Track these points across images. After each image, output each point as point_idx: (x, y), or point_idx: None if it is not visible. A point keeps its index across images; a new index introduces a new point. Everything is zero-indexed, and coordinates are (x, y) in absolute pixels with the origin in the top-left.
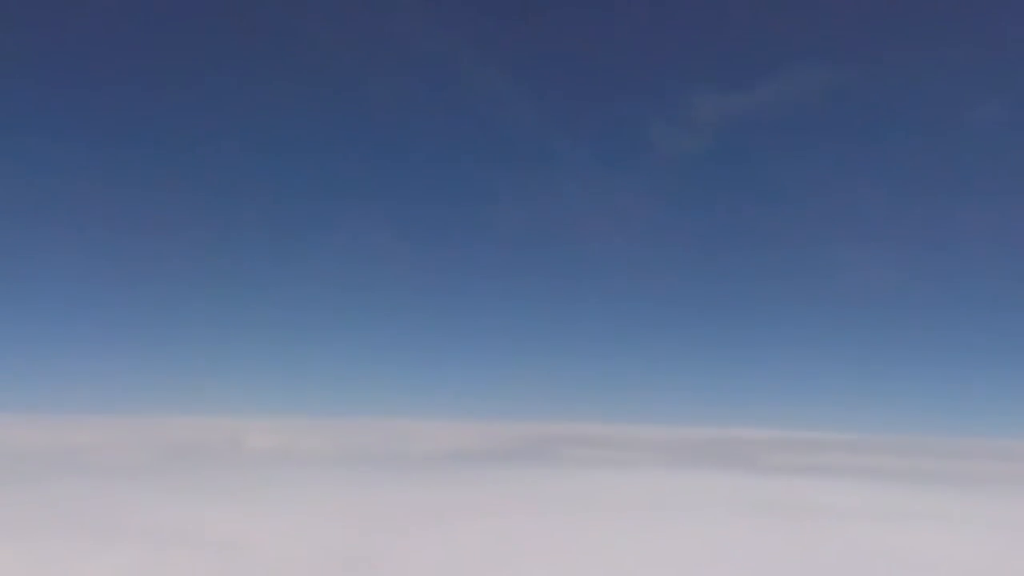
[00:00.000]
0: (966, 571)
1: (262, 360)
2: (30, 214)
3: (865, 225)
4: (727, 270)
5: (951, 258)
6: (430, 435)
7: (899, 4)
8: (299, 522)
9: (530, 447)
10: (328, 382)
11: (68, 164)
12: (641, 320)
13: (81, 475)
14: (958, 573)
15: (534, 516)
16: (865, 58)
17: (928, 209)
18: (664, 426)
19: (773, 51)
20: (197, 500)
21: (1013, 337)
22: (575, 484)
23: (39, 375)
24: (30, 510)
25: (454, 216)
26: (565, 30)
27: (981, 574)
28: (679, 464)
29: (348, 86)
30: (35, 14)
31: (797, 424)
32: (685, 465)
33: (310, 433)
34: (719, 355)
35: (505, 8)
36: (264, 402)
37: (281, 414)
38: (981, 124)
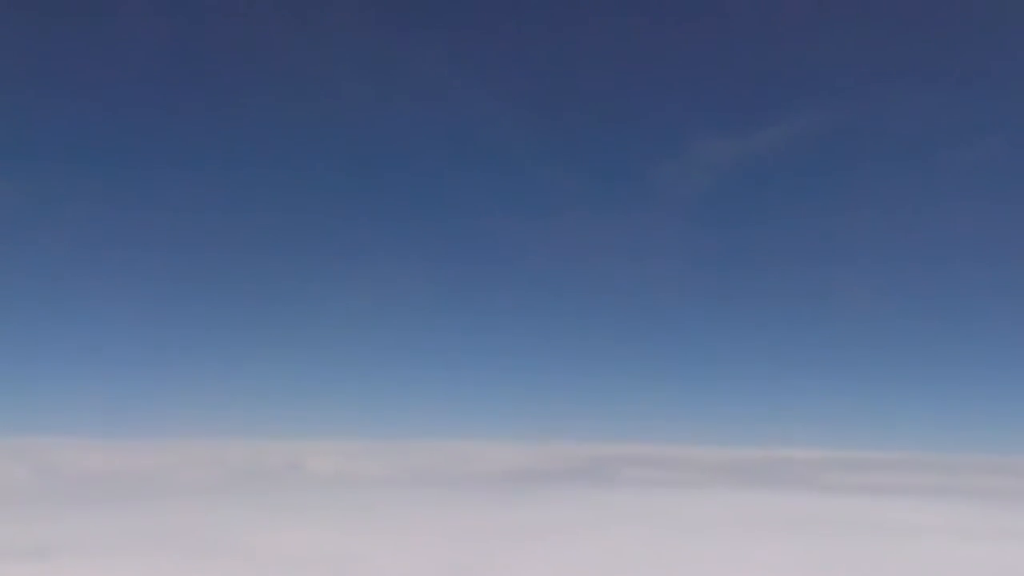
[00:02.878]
0: None
1: (310, 384)
2: (83, 240)
3: (889, 248)
4: (760, 297)
5: (988, 277)
6: (483, 456)
7: (899, 49)
8: (398, 542)
9: (586, 467)
10: (378, 405)
11: (117, 187)
12: (674, 342)
13: (160, 497)
14: None
15: (629, 535)
16: (865, 102)
17: (953, 231)
18: (706, 447)
19: (775, 96)
20: (281, 521)
21: None
22: (653, 503)
23: (97, 400)
24: (123, 532)
25: (492, 248)
26: (573, 73)
27: None
28: (740, 484)
29: (377, 136)
30: (36, 18)
31: (837, 443)
32: (747, 485)
33: (365, 455)
34: (756, 376)
35: (515, 52)
36: (312, 425)
37: (330, 437)
38: (978, 158)
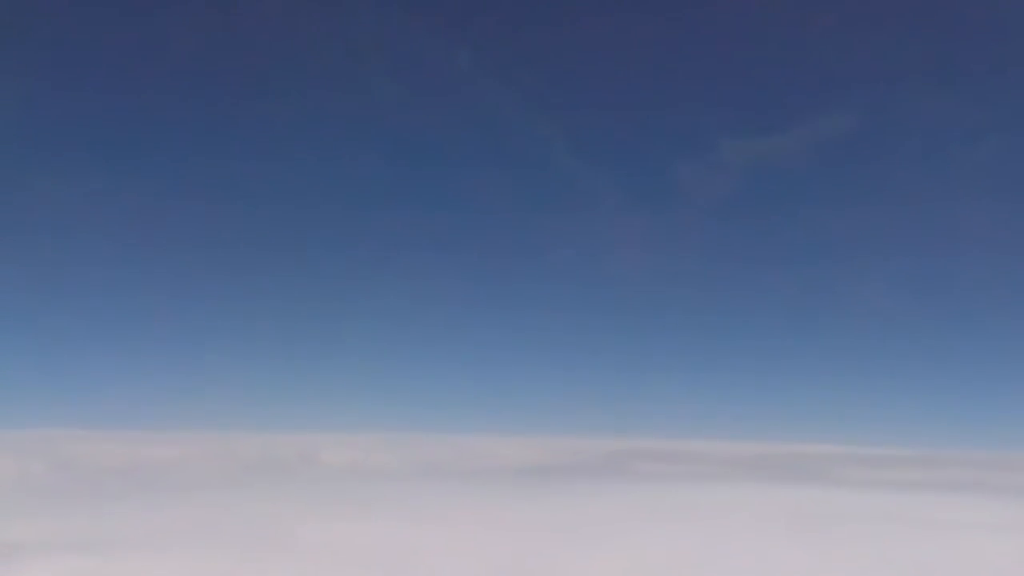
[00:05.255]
0: None
1: (320, 376)
2: (100, 234)
3: (907, 245)
4: (774, 293)
5: (1009, 274)
6: (495, 451)
7: (919, 56)
8: (445, 535)
9: (601, 461)
10: (386, 399)
11: (132, 182)
12: (687, 337)
13: (182, 490)
14: None
15: (673, 531)
16: (886, 106)
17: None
18: (716, 441)
19: (800, 98)
20: (317, 513)
21: None
22: (679, 497)
23: (111, 392)
24: (158, 525)
25: (505, 243)
26: (597, 75)
27: None
28: (760, 479)
29: (400, 132)
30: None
31: (846, 439)
32: (767, 480)
33: (377, 449)
34: (765, 371)
35: (541, 54)
36: (321, 418)
37: (340, 430)
38: (994, 158)
